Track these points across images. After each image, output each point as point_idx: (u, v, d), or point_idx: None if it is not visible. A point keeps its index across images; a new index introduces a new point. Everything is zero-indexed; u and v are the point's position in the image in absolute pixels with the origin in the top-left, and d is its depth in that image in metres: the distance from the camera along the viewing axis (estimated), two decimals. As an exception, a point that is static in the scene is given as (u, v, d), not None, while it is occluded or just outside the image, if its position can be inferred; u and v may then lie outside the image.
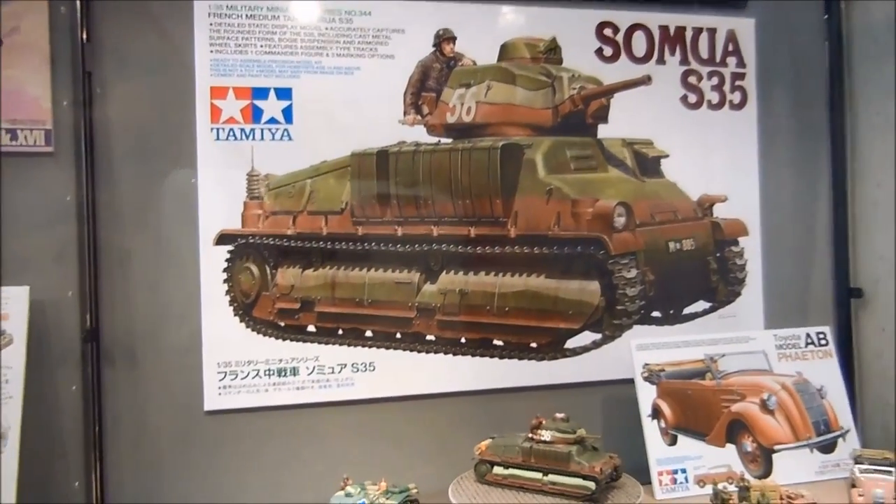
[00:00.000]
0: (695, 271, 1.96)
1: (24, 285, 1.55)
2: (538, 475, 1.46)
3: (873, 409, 2.01)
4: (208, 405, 1.67)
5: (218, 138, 1.70)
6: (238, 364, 1.69)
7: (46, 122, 1.63)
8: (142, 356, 1.66)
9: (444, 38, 1.83)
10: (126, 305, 1.65)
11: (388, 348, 1.78)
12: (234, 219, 1.72)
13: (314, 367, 1.73)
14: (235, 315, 1.71)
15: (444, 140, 1.85)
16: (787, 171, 2.07)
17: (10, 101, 1.61)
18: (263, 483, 1.68)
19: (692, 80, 2.00)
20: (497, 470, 1.52)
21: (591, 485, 1.37)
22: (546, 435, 1.46)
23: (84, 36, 1.64)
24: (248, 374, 1.69)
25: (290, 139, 1.74)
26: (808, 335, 1.87)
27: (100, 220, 1.64)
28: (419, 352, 1.80)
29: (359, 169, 1.79)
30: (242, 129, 1.72)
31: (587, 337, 1.87)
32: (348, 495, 1.38)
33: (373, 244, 1.79)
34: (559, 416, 1.47)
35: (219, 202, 1.70)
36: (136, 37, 1.67)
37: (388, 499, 1.44)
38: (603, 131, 1.93)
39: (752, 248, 2.01)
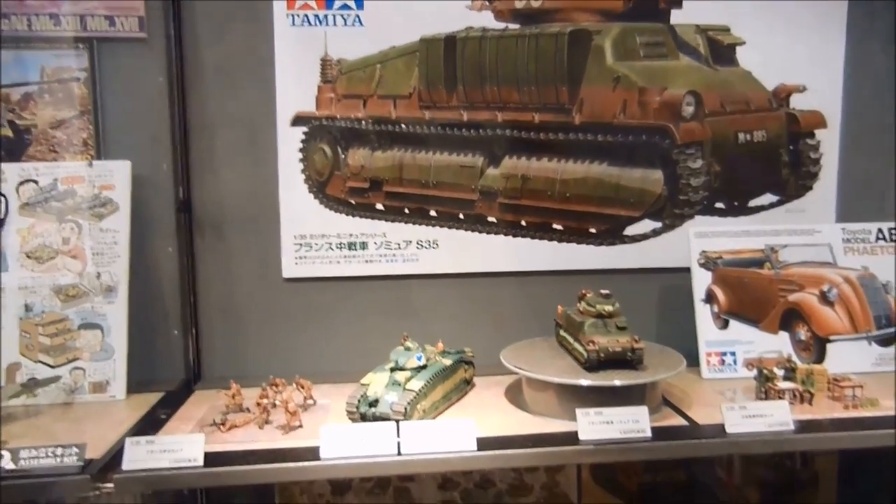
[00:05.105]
0: (764, 164, 1.92)
1: (126, 160, 1.73)
2: (571, 339, 1.56)
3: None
4: (286, 273, 1.84)
5: (293, 24, 1.78)
6: (312, 237, 1.84)
7: (139, 10, 1.76)
8: (228, 227, 1.82)
9: (514, -81, 1.81)
10: (214, 180, 1.81)
11: (451, 228, 1.87)
12: (308, 102, 1.82)
13: (382, 243, 1.86)
14: (310, 192, 1.84)
15: (511, 26, 1.86)
16: (876, 62, 1.95)
17: (107, -8, 1.74)
18: (332, 342, 1.86)
19: (777, -39, 1.89)
20: (560, 332, 1.66)
21: (585, 354, 1.45)
22: (581, 306, 1.55)
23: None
24: (322, 246, 1.84)
25: (361, 25, 1.80)
26: (879, 230, 1.82)
27: (189, 101, 1.78)
28: (481, 232, 1.88)
29: (427, 54, 1.83)
30: (316, 15, 1.79)
31: (647, 225, 1.90)
32: (407, 349, 1.52)
33: (439, 128, 1.86)
34: (603, 291, 1.54)
35: (294, 86, 1.80)
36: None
37: (443, 357, 1.57)
38: (676, 17, 1.88)
39: (828, 142, 1.94)
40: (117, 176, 1.72)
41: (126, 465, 1.22)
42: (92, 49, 1.75)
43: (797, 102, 1.92)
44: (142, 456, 1.23)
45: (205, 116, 1.79)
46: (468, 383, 1.66)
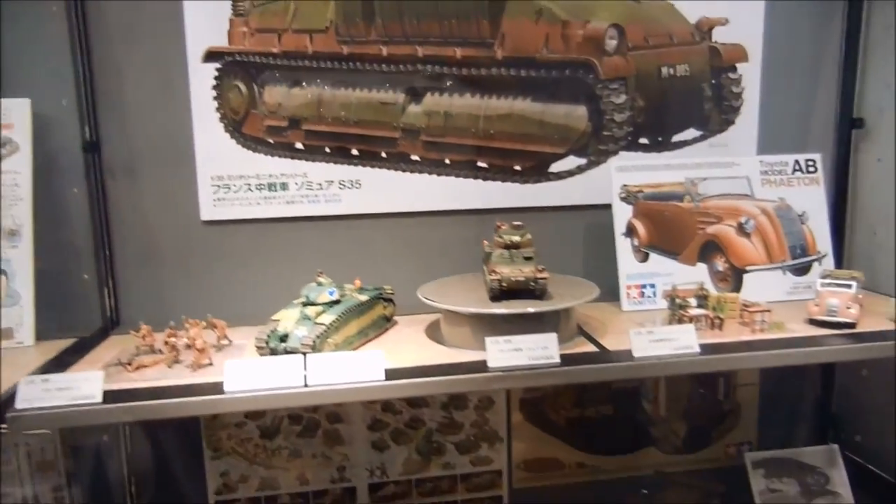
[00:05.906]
0: (687, 98, 1.92)
1: (25, 98, 1.64)
2: (486, 271, 1.56)
3: (861, 242, 2.01)
4: (204, 215, 1.79)
5: (201, -48, 1.70)
6: (231, 178, 1.78)
7: (35, -63, 1.65)
8: (140, 168, 1.75)
9: None
10: (123, 119, 1.73)
11: (373, 167, 1.84)
12: (220, 36, 1.74)
13: (303, 183, 1.81)
14: (226, 132, 1.78)
15: (430, -44, 1.80)
16: (798, -7, 1.96)
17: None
18: (253, 285, 1.82)
19: None
20: (484, 266, 1.63)
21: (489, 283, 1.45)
22: (495, 238, 1.54)
23: None
24: (241, 187, 1.79)
25: (272, -47, 1.72)
26: (796, 162, 1.85)
27: (91, 35, 1.69)
28: (404, 171, 1.85)
29: (343, -15, 1.77)
30: (225, -57, 1.70)
31: (572, 161, 1.89)
32: (320, 285, 1.49)
33: (358, 63, 1.80)
34: (515, 223, 1.53)
35: (205, 19, 1.72)
36: None
37: (360, 294, 1.55)
38: (598, -53, 1.84)
39: (750, 75, 1.95)
40: (16, 114, 1.63)
41: (20, 403, 1.19)
42: (-19, -22, 1.64)
43: (719, 36, 1.91)
44: (37, 395, 1.19)
45: (110, 51, 1.71)
46: (388, 320, 1.65)
